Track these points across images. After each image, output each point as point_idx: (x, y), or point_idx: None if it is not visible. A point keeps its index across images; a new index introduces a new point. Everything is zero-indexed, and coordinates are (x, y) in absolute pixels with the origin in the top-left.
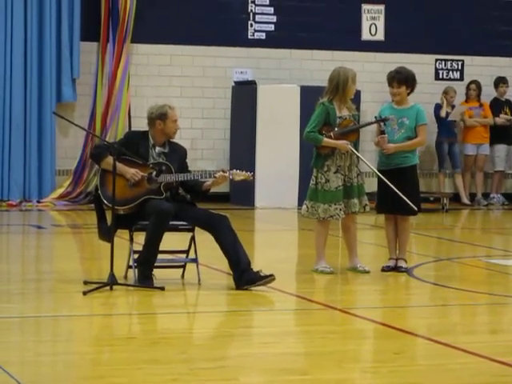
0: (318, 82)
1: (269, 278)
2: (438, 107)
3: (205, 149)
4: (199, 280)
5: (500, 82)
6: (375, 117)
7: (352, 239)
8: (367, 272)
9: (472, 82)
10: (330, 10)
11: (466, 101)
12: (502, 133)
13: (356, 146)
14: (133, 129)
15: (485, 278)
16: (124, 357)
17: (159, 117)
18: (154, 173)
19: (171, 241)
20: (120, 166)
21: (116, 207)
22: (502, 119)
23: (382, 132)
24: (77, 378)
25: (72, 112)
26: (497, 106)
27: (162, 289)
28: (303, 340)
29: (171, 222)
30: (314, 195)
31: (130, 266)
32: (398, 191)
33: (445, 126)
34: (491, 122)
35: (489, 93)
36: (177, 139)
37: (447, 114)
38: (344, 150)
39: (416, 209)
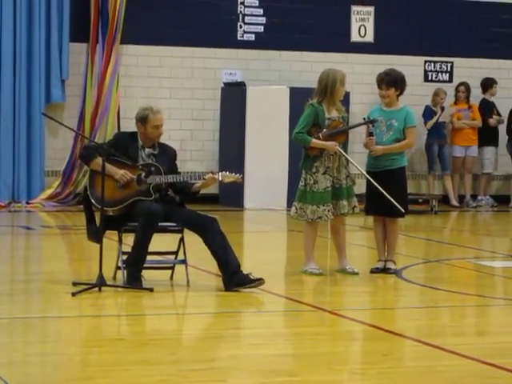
0: (308, 83)
1: (259, 282)
2: (427, 109)
3: (194, 150)
4: (188, 281)
5: (493, 82)
6: (364, 118)
7: (341, 241)
8: (356, 274)
9: (461, 83)
10: (320, 12)
11: (455, 103)
12: (490, 135)
13: (345, 147)
14: (122, 130)
15: (473, 280)
16: (113, 358)
17: (140, 120)
18: (144, 174)
19: (160, 242)
20: (109, 167)
21: (105, 208)
22: (494, 120)
23: (371, 134)
24: (65, 379)
25: (61, 113)
26: (487, 107)
27: (151, 290)
28: (292, 341)
29: (160, 224)
30: (302, 197)
31: (118, 267)
32: (385, 193)
33: (434, 128)
34: (479, 125)
35: (477, 95)
36: (166, 140)
37: (437, 119)
38: (332, 151)
39: (403, 211)
